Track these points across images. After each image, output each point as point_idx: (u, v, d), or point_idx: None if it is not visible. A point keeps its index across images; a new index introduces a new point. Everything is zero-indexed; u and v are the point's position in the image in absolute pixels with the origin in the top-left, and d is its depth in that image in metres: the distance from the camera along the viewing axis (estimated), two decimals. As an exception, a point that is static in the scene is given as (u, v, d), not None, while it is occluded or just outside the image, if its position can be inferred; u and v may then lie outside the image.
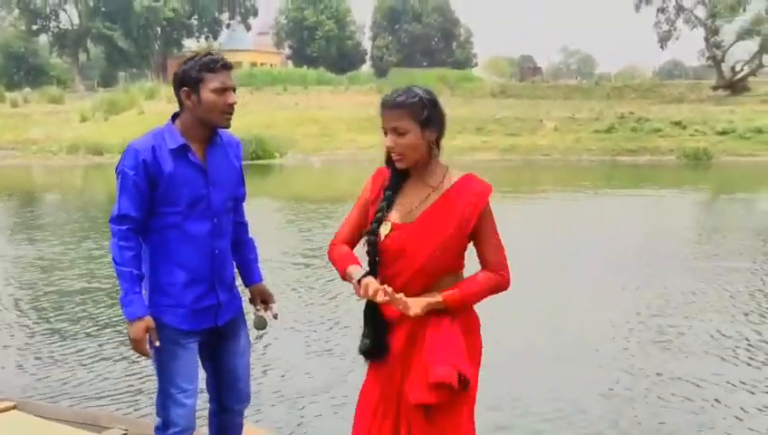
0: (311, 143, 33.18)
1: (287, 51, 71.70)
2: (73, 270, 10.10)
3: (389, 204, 2.69)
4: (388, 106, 2.63)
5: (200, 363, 3.18)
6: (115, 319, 7.45)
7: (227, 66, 2.98)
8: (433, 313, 2.62)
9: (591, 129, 33.50)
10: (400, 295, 2.54)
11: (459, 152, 28.41)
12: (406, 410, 2.64)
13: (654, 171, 26.54)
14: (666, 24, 50.52)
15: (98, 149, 33.34)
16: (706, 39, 47.09)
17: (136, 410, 5.10)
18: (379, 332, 2.71)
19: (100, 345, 6.73)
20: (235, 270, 3.28)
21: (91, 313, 7.89)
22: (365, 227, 2.74)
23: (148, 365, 5.58)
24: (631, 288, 8.89)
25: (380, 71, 63.26)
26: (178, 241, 2.98)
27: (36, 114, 40.44)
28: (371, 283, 2.56)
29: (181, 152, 2.95)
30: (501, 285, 2.69)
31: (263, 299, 3.33)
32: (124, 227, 2.90)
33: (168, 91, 43.82)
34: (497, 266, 2.68)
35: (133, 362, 6.13)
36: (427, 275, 2.62)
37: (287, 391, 5.55)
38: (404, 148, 2.61)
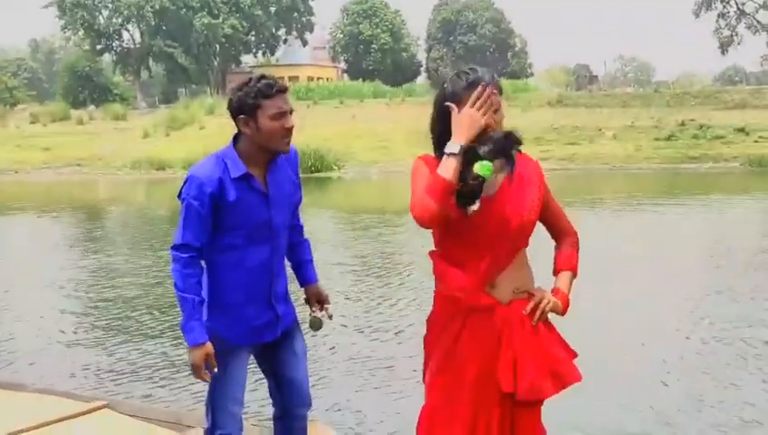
0: (368, 155, 33.37)
1: (343, 65, 72.22)
2: (144, 278, 10.35)
3: (482, 187, 2.54)
4: (491, 83, 2.58)
5: (259, 370, 3.29)
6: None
7: (283, 90, 2.97)
8: (520, 301, 2.66)
9: (651, 136, 33.07)
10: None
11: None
12: (508, 405, 2.64)
13: (718, 179, 26.08)
14: (727, 30, 49.83)
15: (160, 164, 34.02)
16: (769, 43, 46.15)
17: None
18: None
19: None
20: (290, 272, 3.32)
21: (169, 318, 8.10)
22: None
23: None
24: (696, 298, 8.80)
25: (436, 83, 63.29)
26: (238, 263, 3.03)
27: (101, 131, 41.42)
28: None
29: (244, 180, 2.97)
30: (578, 242, 2.88)
31: (318, 300, 3.36)
32: (186, 255, 2.95)
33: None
34: (571, 230, 2.87)
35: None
36: (512, 248, 2.65)
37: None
38: (499, 121, 2.62)
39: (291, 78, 62.22)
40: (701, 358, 6.52)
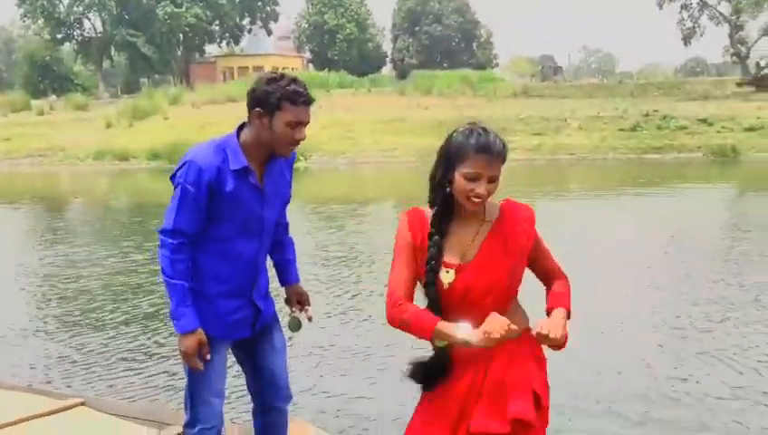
0: (335, 146, 33.19)
1: (308, 54, 71.89)
2: (109, 273, 10.18)
3: (439, 254, 2.57)
4: (494, 154, 2.50)
5: (237, 364, 3.22)
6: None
7: (308, 102, 2.91)
8: (508, 343, 2.56)
9: (616, 127, 33.26)
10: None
11: (484, 153, 28.19)
12: None
13: (681, 169, 26.34)
14: (689, 21, 50.36)
15: (124, 155, 33.53)
16: (731, 35, 46.78)
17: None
18: (443, 369, 2.64)
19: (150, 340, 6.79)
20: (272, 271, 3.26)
21: (144, 309, 7.96)
22: (417, 279, 2.64)
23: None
24: (660, 285, 8.85)
25: (401, 73, 63.30)
26: (224, 253, 2.97)
27: (62, 122, 40.73)
28: (502, 320, 2.46)
29: (242, 173, 2.91)
30: (569, 286, 2.76)
31: (299, 300, 3.30)
32: (177, 241, 2.88)
33: (191, 96, 44.19)
34: (560, 273, 2.76)
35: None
36: (498, 306, 2.56)
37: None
38: (490, 193, 2.55)
39: (255, 68, 61.79)
40: (663, 346, 6.55)
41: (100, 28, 62.73)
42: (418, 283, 2.63)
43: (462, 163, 2.50)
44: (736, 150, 29.23)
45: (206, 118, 36.90)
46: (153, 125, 37.82)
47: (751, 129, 31.48)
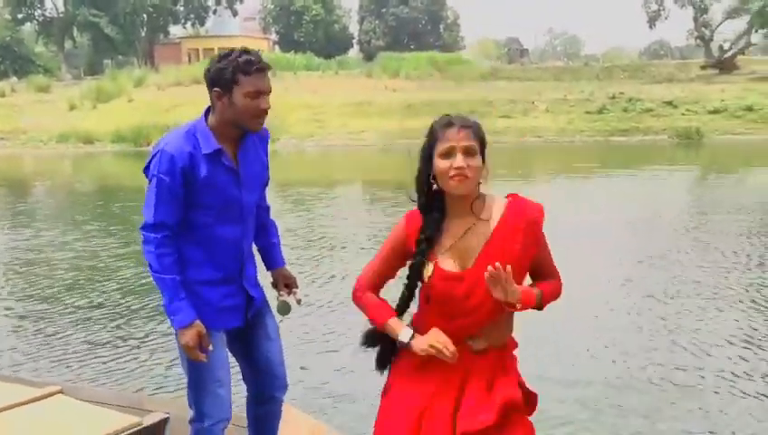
0: (303, 129, 33.05)
1: (274, 36, 71.26)
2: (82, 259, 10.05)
3: (430, 244, 2.53)
4: (463, 124, 2.48)
5: (232, 355, 3.13)
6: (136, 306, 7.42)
7: (263, 69, 2.83)
8: (493, 350, 2.57)
9: (583, 110, 33.50)
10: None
11: (452, 135, 28.27)
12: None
13: (647, 151, 26.61)
14: (655, 4, 50.55)
15: (88, 137, 33.15)
16: (695, 18, 47.12)
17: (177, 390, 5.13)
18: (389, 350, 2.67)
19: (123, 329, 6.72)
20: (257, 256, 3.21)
21: (113, 298, 7.87)
22: (389, 276, 2.66)
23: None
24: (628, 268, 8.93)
25: (368, 55, 63.01)
26: (207, 242, 2.91)
27: (24, 104, 40.09)
28: (446, 340, 2.48)
29: (215, 157, 2.85)
30: (560, 291, 2.66)
31: (286, 284, 3.23)
32: (160, 235, 2.81)
33: (156, 78, 43.65)
34: (558, 277, 2.65)
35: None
36: (495, 313, 2.52)
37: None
38: (473, 169, 2.46)
39: (221, 49, 60.33)
40: (631, 326, 6.61)
41: (61, 8, 61.58)
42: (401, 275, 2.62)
43: (435, 147, 2.49)
44: (701, 133, 29.60)
45: (172, 100, 36.54)
46: (117, 107, 37.37)
47: (715, 111, 31.89)
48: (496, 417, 2.48)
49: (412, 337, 2.53)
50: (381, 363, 2.70)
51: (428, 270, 2.53)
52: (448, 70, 44.21)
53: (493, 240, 2.50)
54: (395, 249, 2.64)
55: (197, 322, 2.82)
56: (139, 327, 6.90)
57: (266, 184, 3.15)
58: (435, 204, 2.56)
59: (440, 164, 2.47)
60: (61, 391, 4.01)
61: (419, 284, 2.56)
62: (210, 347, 2.86)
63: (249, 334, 3.10)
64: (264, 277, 3.24)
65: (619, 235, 11.01)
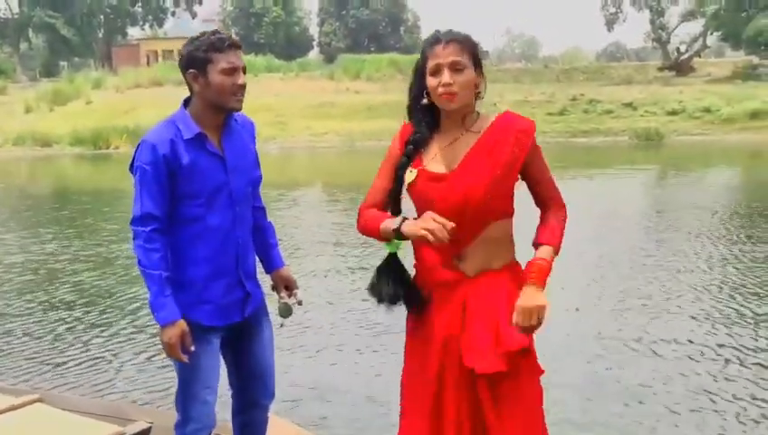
0: (265, 131, 32.69)
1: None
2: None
3: (415, 152, 2.57)
4: (449, 39, 2.50)
5: (221, 359, 3.05)
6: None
7: (235, 45, 2.82)
8: (489, 273, 2.54)
9: (544, 111, 33.71)
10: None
11: (415, 137, 28.39)
12: (470, 381, 2.51)
13: (608, 152, 26.93)
14: (612, 7, 51.23)
15: (46, 140, 32.52)
16: (652, 21, 47.83)
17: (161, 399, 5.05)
18: (409, 286, 2.62)
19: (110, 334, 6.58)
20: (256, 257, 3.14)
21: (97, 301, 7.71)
22: (390, 189, 2.65)
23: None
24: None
25: (328, 57, 62.83)
26: (200, 234, 2.84)
27: (-22, 106, 39.28)
28: (441, 220, 2.42)
29: (198, 142, 2.80)
30: (562, 220, 2.66)
31: (286, 285, 3.18)
32: (148, 229, 2.75)
33: (115, 81, 43.01)
34: (558, 202, 2.66)
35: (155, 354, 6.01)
36: (477, 222, 2.51)
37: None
38: (461, 85, 2.48)
39: (180, 51, 60.58)
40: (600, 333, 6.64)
41: (16, 9, 60.48)
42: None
43: (426, 64, 2.53)
44: (660, 133, 30.01)
45: (131, 102, 36.11)
46: (75, 109, 36.78)
47: (673, 112, 32.39)
48: (504, 364, 2.46)
49: (402, 222, 2.51)
50: (409, 303, 2.65)
51: (412, 174, 2.55)
52: (410, 72, 43.78)
53: (478, 145, 2.53)
54: (389, 161, 2.66)
55: (181, 321, 2.76)
56: (104, 330, 6.78)
57: (259, 180, 3.09)
58: (426, 118, 2.58)
59: (430, 82, 2.51)
60: (40, 400, 3.90)
61: (403, 189, 2.59)
62: (192, 347, 2.78)
63: (243, 341, 3.03)
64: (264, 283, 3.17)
65: (580, 234, 11.08)
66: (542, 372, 2.60)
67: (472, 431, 2.52)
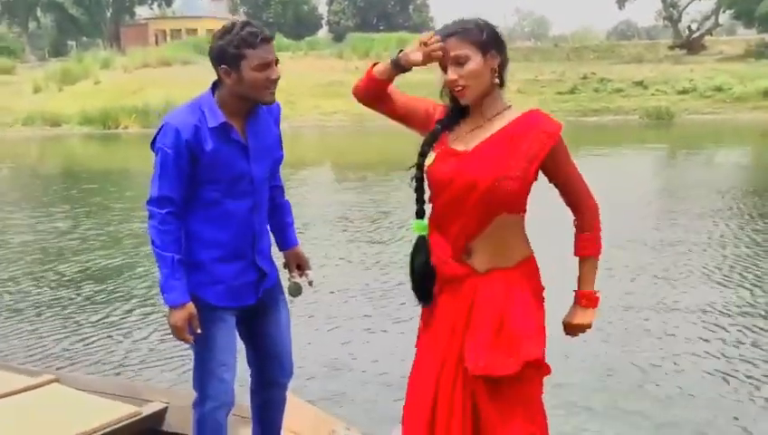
0: (273, 110, 32.77)
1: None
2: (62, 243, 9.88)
3: (437, 136, 2.54)
4: (444, 35, 2.46)
5: (238, 338, 3.03)
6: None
7: (267, 39, 2.74)
8: (500, 271, 2.49)
9: (555, 90, 33.60)
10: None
11: (424, 116, 28.34)
12: (469, 379, 2.47)
13: (618, 131, 26.79)
14: (624, -16, 50.80)
15: (55, 120, 32.59)
16: (663, -1, 47.40)
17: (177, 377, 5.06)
18: (425, 278, 2.57)
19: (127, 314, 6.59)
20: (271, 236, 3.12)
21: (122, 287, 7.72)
22: (401, 100, 2.67)
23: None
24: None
25: (337, 35, 62.61)
26: (217, 218, 2.82)
27: (-12, 86, 39.32)
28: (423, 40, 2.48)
29: (222, 131, 2.76)
30: (598, 214, 2.59)
31: (298, 264, 3.17)
32: (164, 211, 2.72)
33: (124, 61, 42.93)
34: (588, 204, 2.57)
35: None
36: (483, 209, 2.45)
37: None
38: (467, 77, 2.42)
39: (189, 30, 60.41)
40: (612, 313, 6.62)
41: (25, -12, 60.46)
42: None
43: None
44: (671, 113, 29.82)
45: (140, 82, 36.08)
46: (84, 89, 36.77)
47: (684, 91, 32.17)
48: (504, 368, 2.42)
49: (400, 52, 2.55)
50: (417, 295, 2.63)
51: (431, 158, 2.53)
52: (419, 51, 43.99)
53: (498, 134, 2.48)
54: (421, 99, 2.70)
55: (190, 304, 2.75)
56: (116, 309, 6.80)
57: (280, 160, 3.07)
58: (455, 104, 2.55)
59: (445, 78, 2.49)
60: (56, 380, 3.89)
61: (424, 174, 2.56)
62: (199, 330, 2.77)
63: (259, 321, 3.01)
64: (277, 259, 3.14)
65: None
66: (550, 372, 2.55)
67: (465, 427, 2.48)
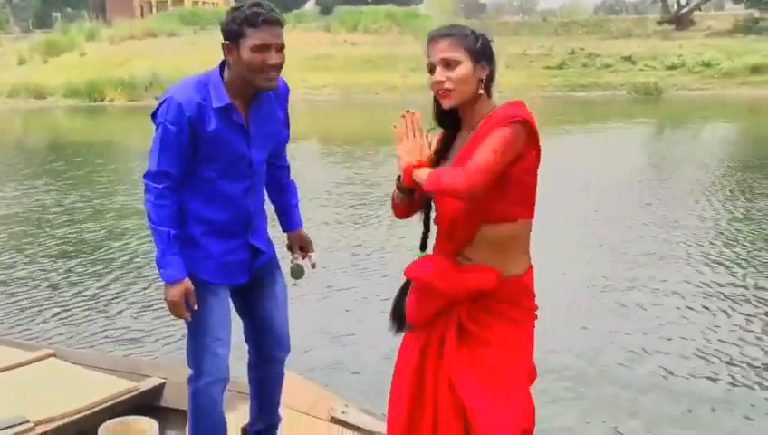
0: (261, 83, 32.57)
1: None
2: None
3: (438, 159, 2.48)
4: (438, 36, 2.40)
5: (236, 314, 3.01)
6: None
7: (271, 21, 2.65)
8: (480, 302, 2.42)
9: (543, 65, 33.52)
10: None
11: (413, 90, 28.25)
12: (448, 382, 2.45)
13: (607, 106, 26.78)
14: (612, -41, 50.51)
15: (40, 92, 32.32)
16: (652, -27, 47.21)
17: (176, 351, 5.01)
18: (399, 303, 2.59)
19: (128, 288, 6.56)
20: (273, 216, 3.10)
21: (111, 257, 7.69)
22: None
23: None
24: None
25: (324, 8, 62.04)
26: (212, 196, 2.78)
27: (-29, 57, 38.89)
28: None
29: (225, 111, 2.71)
30: (455, 181, 2.27)
31: (301, 246, 3.13)
32: (161, 186, 2.68)
33: (109, 32, 42.47)
34: (469, 165, 2.27)
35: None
36: (471, 222, 2.39)
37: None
38: (455, 81, 2.36)
39: (174, 2, 59.81)
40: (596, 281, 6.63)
41: (7, -42, 59.71)
42: None
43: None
44: (659, 88, 29.83)
45: (126, 54, 35.78)
46: (69, 61, 36.45)
47: (672, 67, 32.16)
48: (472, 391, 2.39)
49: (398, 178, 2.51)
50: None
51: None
52: (407, 24, 43.79)
53: (471, 140, 2.41)
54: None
55: (186, 279, 2.72)
56: (109, 283, 6.78)
57: (286, 142, 3.02)
58: (446, 118, 2.50)
59: (430, 80, 2.43)
60: (54, 355, 3.88)
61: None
62: (196, 307, 2.75)
63: (255, 292, 2.98)
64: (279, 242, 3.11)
65: (577, 188, 11.04)
66: (534, 379, 2.54)
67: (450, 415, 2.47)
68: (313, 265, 3.11)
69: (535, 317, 2.50)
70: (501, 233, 2.40)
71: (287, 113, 2.97)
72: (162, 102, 2.71)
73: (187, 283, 2.72)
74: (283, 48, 2.70)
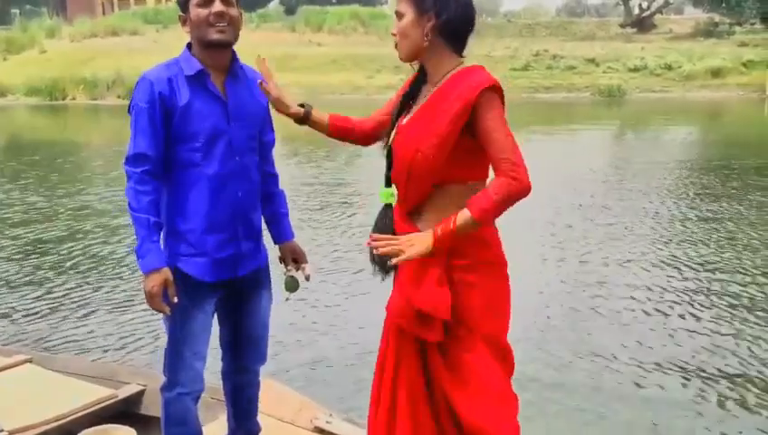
0: (225, 83, 32.32)
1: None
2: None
3: (402, 109, 2.54)
4: None
5: (216, 321, 2.95)
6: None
7: None
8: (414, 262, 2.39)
9: (508, 66, 33.61)
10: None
11: (378, 91, 28.24)
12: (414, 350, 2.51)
13: (571, 108, 26.98)
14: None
15: (0, 90, 31.77)
16: (615, -24, 47.70)
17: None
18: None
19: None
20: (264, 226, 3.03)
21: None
22: (383, 113, 2.72)
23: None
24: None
25: (288, 8, 61.83)
26: (197, 182, 2.70)
27: (-72, 54, 38.07)
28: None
29: (199, 80, 2.69)
30: (514, 190, 2.25)
31: (294, 258, 3.05)
32: (139, 170, 2.62)
33: (70, 30, 41.87)
34: (506, 167, 2.26)
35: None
36: (419, 180, 2.38)
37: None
38: (399, 34, 2.41)
39: (137, 1, 59.15)
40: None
41: (-35, -46, 58.61)
42: None
43: None
44: (622, 90, 30.15)
45: (88, 52, 35.30)
46: (30, 59, 35.87)
47: (635, 69, 32.48)
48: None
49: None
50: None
51: (391, 136, 2.54)
52: (372, 24, 43.77)
53: (430, 99, 2.42)
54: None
55: (166, 269, 2.64)
56: (61, 284, 6.67)
57: (272, 143, 3.02)
58: (421, 71, 2.53)
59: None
60: (30, 361, 3.79)
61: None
62: (175, 299, 2.65)
63: (240, 301, 2.92)
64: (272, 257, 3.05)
65: (540, 190, 11.11)
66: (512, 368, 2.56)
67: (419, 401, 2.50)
68: (307, 278, 3.03)
69: (505, 264, 2.53)
70: (452, 194, 2.40)
71: (269, 108, 2.91)
72: (135, 86, 2.70)
73: (166, 272, 2.64)
74: (230, 1, 2.70)
